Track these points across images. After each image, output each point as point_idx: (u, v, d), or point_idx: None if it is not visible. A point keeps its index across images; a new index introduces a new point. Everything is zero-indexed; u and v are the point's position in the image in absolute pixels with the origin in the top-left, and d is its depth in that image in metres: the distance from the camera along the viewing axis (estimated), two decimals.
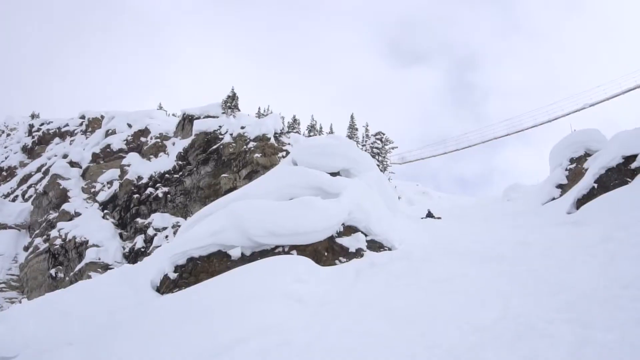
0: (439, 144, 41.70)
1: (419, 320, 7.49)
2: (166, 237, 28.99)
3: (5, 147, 66.99)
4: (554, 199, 22.24)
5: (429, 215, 24.67)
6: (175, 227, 28.93)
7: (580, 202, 16.62)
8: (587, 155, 23.17)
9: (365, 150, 36.42)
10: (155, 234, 29.97)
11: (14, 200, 47.22)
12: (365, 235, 13.58)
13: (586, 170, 20.68)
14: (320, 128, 44.23)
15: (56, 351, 12.83)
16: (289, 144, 31.11)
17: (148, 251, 28.11)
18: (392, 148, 41.39)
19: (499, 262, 10.11)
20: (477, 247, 12.17)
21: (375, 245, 13.51)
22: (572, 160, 23.67)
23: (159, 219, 30.88)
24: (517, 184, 34.52)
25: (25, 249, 37.96)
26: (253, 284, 10.74)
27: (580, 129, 26.09)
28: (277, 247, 12.71)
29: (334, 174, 16.98)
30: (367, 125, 42.60)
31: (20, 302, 25.43)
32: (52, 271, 33.00)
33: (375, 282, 10.42)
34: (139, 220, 31.98)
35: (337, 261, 12.73)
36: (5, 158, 61.04)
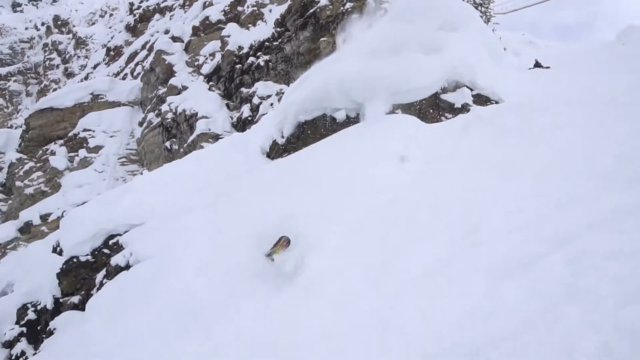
0: None
1: (528, 172, 7.37)
2: (271, 104, 29.33)
3: (110, 27, 68.86)
4: None
5: (537, 65, 23.57)
6: (279, 94, 29.12)
7: None
8: None
9: (467, 1, 34.70)
10: (261, 102, 30.36)
11: (123, 78, 48.93)
12: (471, 90, 13.22)
13: None
14: None
15: (179, 217, 13.65)
16: (387, 1, 30.03)
17: (255, 119, 28.68)
18: None
19: (614, 107, 9.60)
20: (588, 94, 11.60)
21: (481, 99, 13.18)
22: None
23: (262, 87, 31.14)
24: (631, 25, 31.88)
25: (140, 124, 39.62)
26: (359, 144, 10.84)
27: None
28: None
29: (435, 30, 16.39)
30: None
31: (141, 173, 26.95)
32: (167, 144, 34.43)
33: (482, 136, 10.25)
34: (244, 89, 32.38)
35: (442, 118, 12.57)
36: (111, 38, 62.82)
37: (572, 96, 11.60)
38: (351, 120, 12.61)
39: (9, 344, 17.16)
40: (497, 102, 13.16)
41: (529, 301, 4.43)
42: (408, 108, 12.43)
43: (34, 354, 15.87)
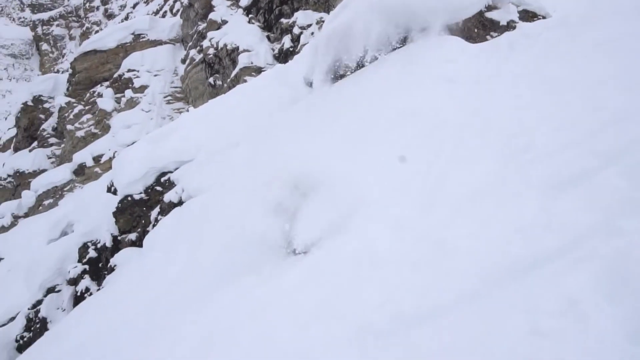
0: None
1: (579, 87, 7.11)
2: (312, 33, 28.91)
3: None
4: None
5: None
6: (320, 22, 28.63)
7: None
8: None
9: None
10: (301, 32, 29.95)
11: (163, 16, 48.82)
12: (517, 6, 12.78)
13: None
14: None
15: (226, 152, 13.83)
16: None
17: (296, 50, 28.42)
18: None
19: None
20: None
21: (527, 15, 12.72)
22: None
23: (302, 16, 30.63)
24: None
25: (183, 61, 39.67)
26: (404, 70, 10.67)
27: None
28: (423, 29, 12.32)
29: None
30: None
31: (187, 111, 27.21)
32: (211, 80, 34.45)
33: (530, 53, 9.92)
34: (283, 20, 31.95)
35: (488, 37, 12.20)
36: None
37: (624, 6, 11.08)
38: (394, 46, 12.35)
39: (74, 281, 17.94)
40: (544, 17, 12.70)
41: (583, 216, 4.35)
42: (452, 29, 12.09)
43: (98, 289, 16.57)
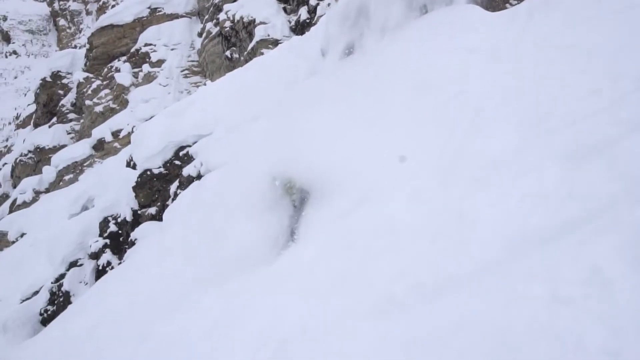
0: None
1: (601, 55, 6.97)
2: (328, 4, 28.63)
3: None
4: None
5: None
6: None
7: None
8: None
9: None
10: (318, 4, 29.59)
11: None
12: None
13: None
14: None
15: (243, 126, 13.78)
16: None
17: (313, 22, 28.17)
18: None
19: None
20: None
21: None
22: None
23: None
24: None
25: (199, 34, 39.49)
26: (422, 38, 10.54)
27: None
28: None
29: None
30: None
31: (204, 84, 27.15)
32: (227, 53, 34.28)
33: (550, 21, 9.70)
34: None
35: (507, 5, 12.01)
36: None
37: None
38: (411, 17, 12.18)
39: (95, 255, 18.09)
40: None
41: (606, 185, 4.29)
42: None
43: (119, 263, 16.71)
